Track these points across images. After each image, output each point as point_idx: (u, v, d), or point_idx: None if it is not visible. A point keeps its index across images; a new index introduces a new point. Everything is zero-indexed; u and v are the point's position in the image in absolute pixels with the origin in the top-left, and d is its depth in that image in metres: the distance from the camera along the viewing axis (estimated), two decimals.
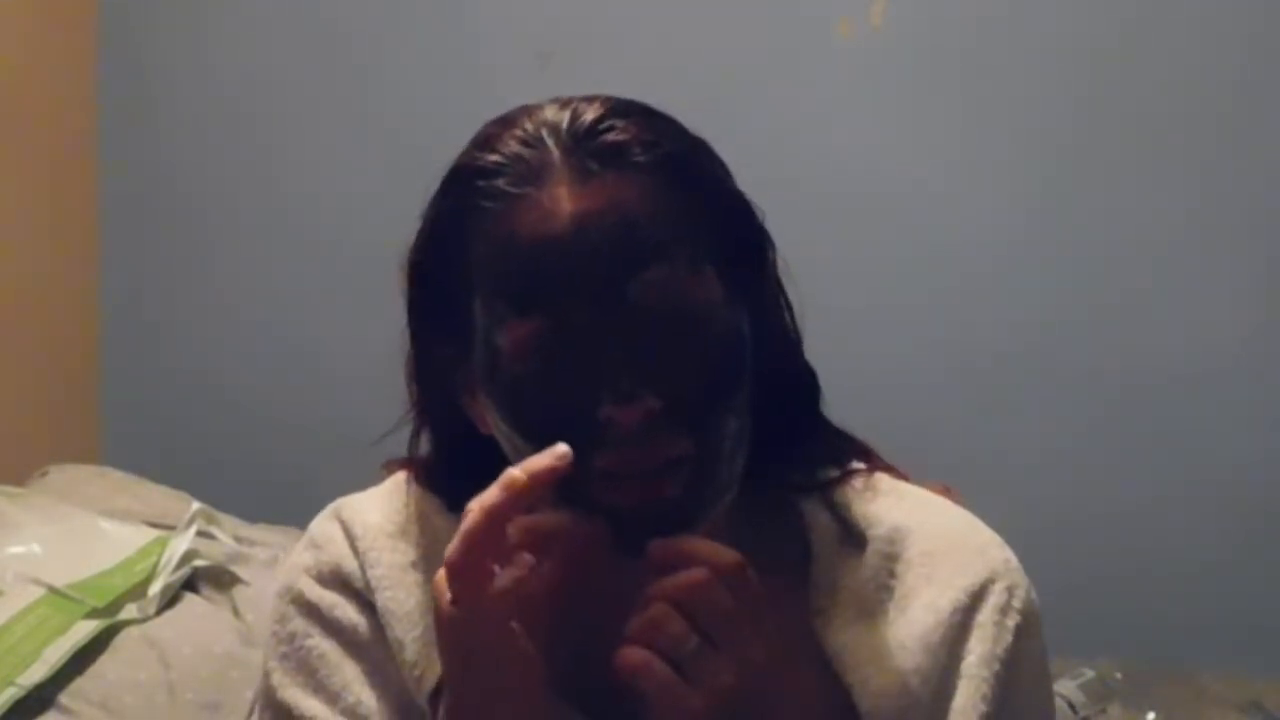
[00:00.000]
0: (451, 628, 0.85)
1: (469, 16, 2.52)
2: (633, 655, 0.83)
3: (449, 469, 1.00)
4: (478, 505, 0.84)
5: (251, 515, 2.24)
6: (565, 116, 0.90)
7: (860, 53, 2.35)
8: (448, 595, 0.84)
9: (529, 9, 2.49)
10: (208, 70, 2.65)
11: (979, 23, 2.31)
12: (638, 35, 2.43)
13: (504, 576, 0.83)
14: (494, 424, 0.91)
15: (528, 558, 0.83)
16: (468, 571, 0.83)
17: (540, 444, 0.87)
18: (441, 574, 0.85)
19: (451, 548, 0.84)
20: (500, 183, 0.88)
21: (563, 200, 0.87)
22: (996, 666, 0.94)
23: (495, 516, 0.83)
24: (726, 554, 0.84)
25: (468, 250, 0.90)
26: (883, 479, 1.02)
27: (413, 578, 0.98)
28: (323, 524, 1.04)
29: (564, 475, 0.85)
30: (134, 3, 2.68)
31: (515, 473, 0.84)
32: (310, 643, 0.99)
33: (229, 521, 2.17)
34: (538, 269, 0.86)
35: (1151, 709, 2.01)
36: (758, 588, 0.85)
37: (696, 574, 0.83)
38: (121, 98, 2.68)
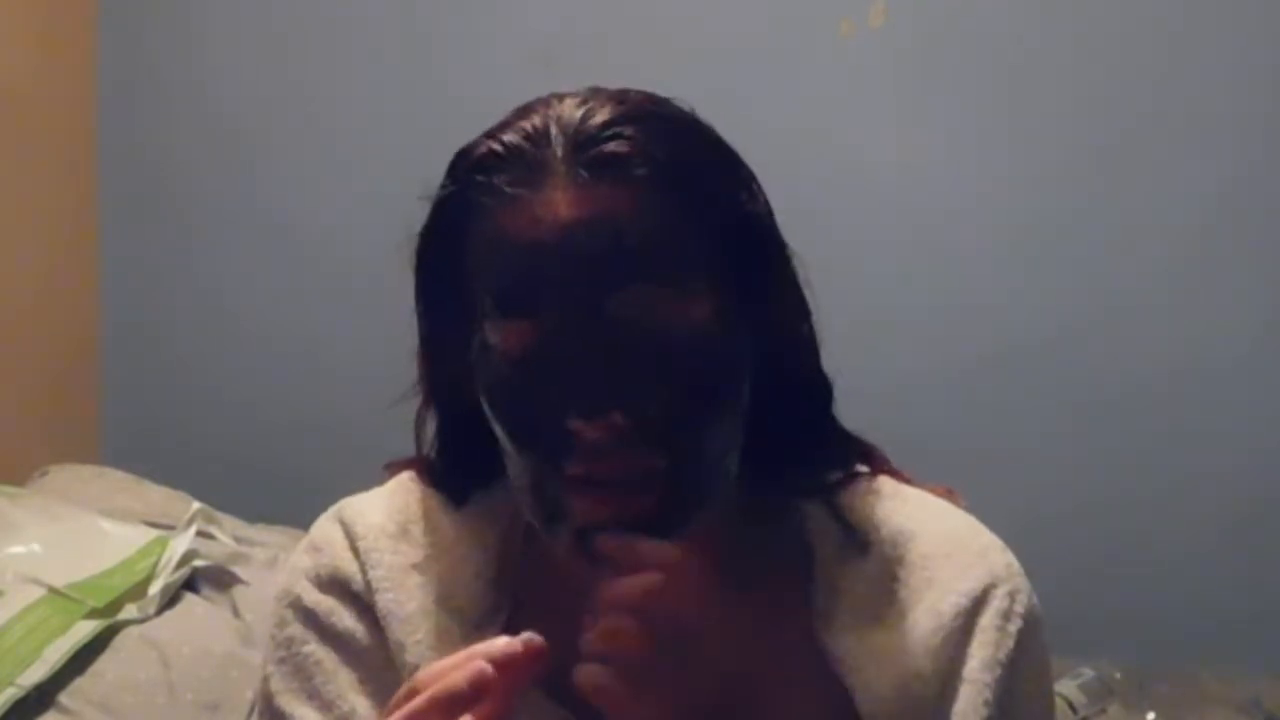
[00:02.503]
0: None
1: (470, 16, 2.52)
2: (584, 675, 0.82)
3: (453, 457, 1.00)
4: (430, 693, 0.80)
5: (251, 515, 2.24)
6: (577, 115, 0.89)
7: (861, 53, 2.35)
8: None
9: (530, 9, 2.49)
10: (208, 71, 2.65)
11: (978, 23, 2.31)
12: (638, 36, 2.43)
13: None
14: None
15: None
16: None
17: (517, 444, 0.88)
18: None
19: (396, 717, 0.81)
20: (498, 180, 0.88)
21: (556, 207, 0.86)
22: (998, 671, 0.94)
23: (450, 705, 0.80)
24: (668, 550, 0.83)
25: (467, 242, 0.90)
26: (886, 482, 1.01)
27: (414, 580, 0.98)
28: (323, 526, 1.04)
29: (541, 479, 0.86)
30: (134, 4, 2.68)
31: (486, 667, 0.80)
32: (307, 649, 0.99)
33: (229, 521, 2.17)
34: (524, 274, 0.86)
35: (1151, 709, 2.01)
36: (705, 582, 0.84)
37: (649, 579, 0.82)
38: (121, 98, 2.68)
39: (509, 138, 0.89)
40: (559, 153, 0.87)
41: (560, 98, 0.91)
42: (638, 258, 0.86)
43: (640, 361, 0.86)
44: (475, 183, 0.89)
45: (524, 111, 0.91)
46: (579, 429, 0.85)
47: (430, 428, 1.02)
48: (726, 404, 0.89)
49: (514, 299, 0.87)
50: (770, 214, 0.94)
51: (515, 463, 0.90)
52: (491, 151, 0.89)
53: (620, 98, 0.91)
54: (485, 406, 0.90)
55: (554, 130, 0.88)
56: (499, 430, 0.90)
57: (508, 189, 0.87)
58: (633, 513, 0.86)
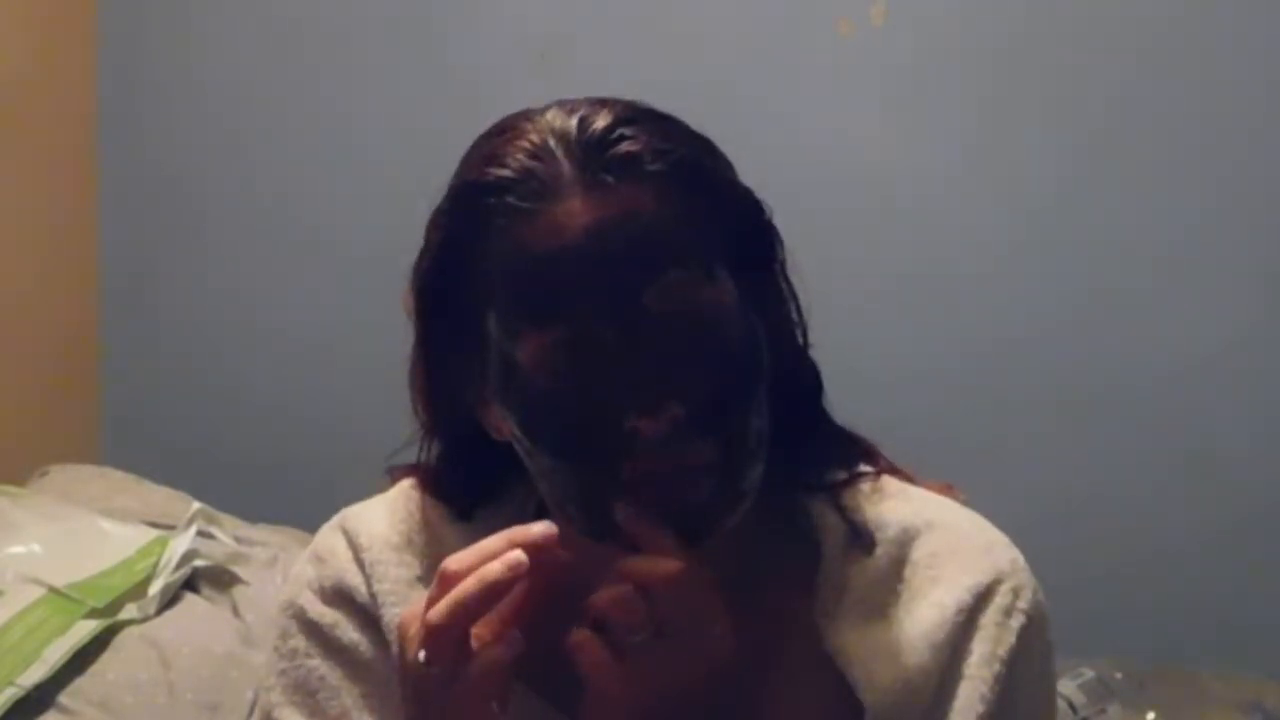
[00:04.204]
0: (422, 686, 0.85)
1: (468, 16, 2.52)
2: (578, 636, 0.84)
3: (459, 476, 1.00)
4: (477, 577, 0.83)
5: (251, 515, 2.24)
6: (573, 125, 0.89)
7: (861, 52, 2.35)
8: (419, 651, 0.84)
9: (528, 8, 2.49)
10: (207, 69, 2.65)
11: (979, 22, 2.31)
12: (636, 36, 2.43)
13: (497, 649, 0.83)
14: (511, 434, 0.91)
15: (518, 636, 0.83)
16: (450, 636, 0.83)
17: (563, 457, 0.87)
18: (407, 620, 0.86)
19: (437, 610, 0.83)
20: (511, 199, 0.88)
21: (578, 214, 0.86)
22: (997, 666, 0.94)
23: (493, 591, 0.83)
24: (682, 549, 0.85)
25: (480, 266, 0.89)
26: (890, 481, 1.02)
27: (419, 593, 0.96)
28: (326, 536, 1.03)
29: (592, 489, 0.86)
30: (133, 3, 2.68)
31: (521, 555, 0.83)
32: (311, 663, 0.99)
33: (229, 521, 2.16)
34: (555, 280, 0.86)
35: (1151, 709, 2.01)
36: (715, 591, 0.85)
37: (671, 563, 0.83)
38: (121, 98, 2.68)
39: (512, 160, 0.89)
40: (569, 163, 0.87)
41: (536, 113, 0.91)
42: (666, 247, 0.87)
43: (686, 348, 0.86)
44: (486, 205, 0.89)
45: (507, 133, 0.91)
46: (639, 426, 0.84)
47: (431, 454, 1.01)
48: (761, 387, 0.90)
49: (548, 306, 0.86)
50: (759, 200, 0.96)
51: (558, 477, 0.89)
52: (499, 177, 0.89)
53: (603, 103, 0.91)
54: (517, 426, 0.89)
55: (553, 143, 0.88)
56: (536, 447, 0.89)
57: (524, 204, 0.87)
58: (687, 505, 0.86)
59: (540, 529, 0.85)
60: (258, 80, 2.62)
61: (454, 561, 0.84)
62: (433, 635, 0.83)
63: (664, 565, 0.83)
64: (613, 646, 0.83)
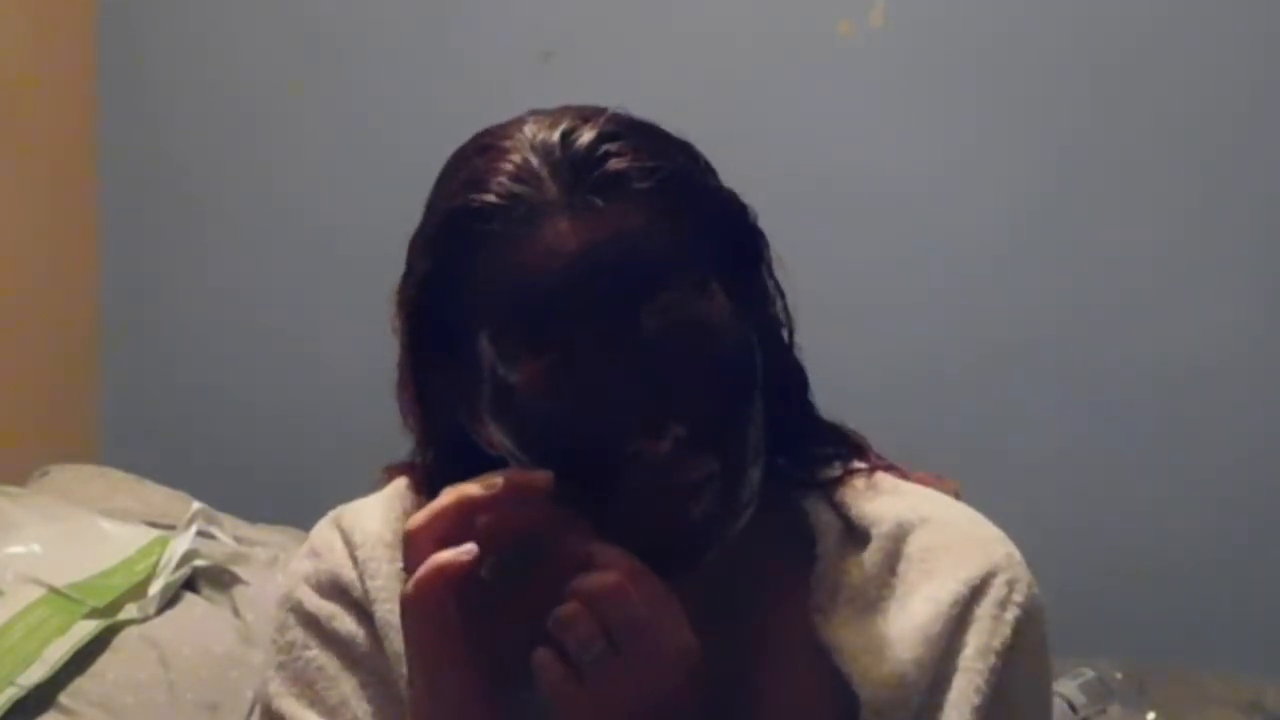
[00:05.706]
0: (401, 597, 0.86)
1: (469, 16, 2.52)
2: (537, 656, 0.83)
3: (452, 479, 1.00)
4: (455, 490, 0.84)
5: (251, 515, 2.24)
6: (556, 143, 0.88)
7: (861, 53, 2.35)
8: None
9: (529, 8, 2.49)
10: (208, 69, 2.65)
11: (979, 23, 2.31)
12: (638, 36, 2.43)
13: (446, 553, 0.83)
14: (507, 451, 0.91)
15: (474, 548, 0.83)
16: (422, 543, 0.84)
17: (562, 477, 0.86)
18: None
19: (415, 517, 0.85)
20: (497, 225, 0.87)
21: (567, 237, 0.85)
22: (992, 659, 0.94)
23: (468, 506, 0.84)
24: (624, 555, 0.84)
25: (468, 291, 0.88)
26: (884, 477, 1.02)
27: None
28: (322, 532, 1.04)
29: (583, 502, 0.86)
30: (133, 2, 2.68)
31: (499, 479, 0.84)
32: (309, 654, 1.00)
33: (229, 521, 2.16)
34: (548, 306, 0.85)
35: (1151, 709, 2.01)
36: (666, 594, 0.84)
37: (606, 576, 0.83)
38: (121, 97, 2.68)
39: (495, 184, 0.87)
40: (554, 184, 0.87)
41: (515, 126, 0.90)
42: (657, 266, 0.86)
43: (684, 367, 0.86)
44: (472, 232, 0.88)
45: (488, 152, 0.90)
46: (642, 449, 0.84)
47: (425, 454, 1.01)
48: (757, 395, 0.90)
49: (543, 332, 0.86)
50: (743, 204, 0.95)
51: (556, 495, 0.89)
52: (483, 203, 0.87)
53: (586, 116, 0.90)
54: (515, 447, 0.89)
55: (536, 162, 0.87)
56: (537, 467, 0.88)
57: (511, 230, 0.86)
58: (690, 519, 0.86)
59: (536, 473, 0.85)
60: (259, 80, 2.62)
61: (449, 487, 0.86)
62: (406, 541, 0.85)
63: (600, 579, 0.83)
64: (572, 665, 0.83)
